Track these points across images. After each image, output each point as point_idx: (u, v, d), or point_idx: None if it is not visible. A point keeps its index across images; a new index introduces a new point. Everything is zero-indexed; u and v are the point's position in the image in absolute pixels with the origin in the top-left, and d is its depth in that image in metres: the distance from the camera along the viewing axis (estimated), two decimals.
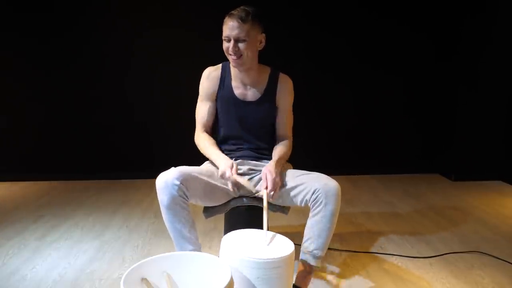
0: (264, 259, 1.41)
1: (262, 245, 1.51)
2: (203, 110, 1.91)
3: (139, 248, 2.35)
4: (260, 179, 1.88)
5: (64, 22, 3.44)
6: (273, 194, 1.68)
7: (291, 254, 1.47)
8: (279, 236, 1.60)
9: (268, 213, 1.62)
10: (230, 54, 1.73)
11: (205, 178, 1.73)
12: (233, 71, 1.86)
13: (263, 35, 1.78)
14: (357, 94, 3.80)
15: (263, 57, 1.86)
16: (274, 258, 1.42)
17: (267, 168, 1.72)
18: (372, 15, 3.63)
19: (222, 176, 1.70)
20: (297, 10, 3.56)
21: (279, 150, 1.86)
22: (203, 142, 1.87)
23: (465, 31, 3.59)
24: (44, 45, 3.46)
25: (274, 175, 1.69)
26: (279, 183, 1.72)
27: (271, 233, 1.61)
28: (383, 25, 3.65)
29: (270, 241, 1.55)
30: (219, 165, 1.74)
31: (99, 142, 3.68)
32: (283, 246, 1.52)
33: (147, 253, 2.27)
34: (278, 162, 1.78)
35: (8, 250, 2.30)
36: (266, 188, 1.67)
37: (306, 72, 3.63)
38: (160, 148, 3.72)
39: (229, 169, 1.67)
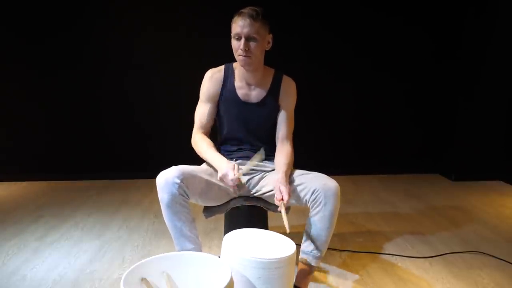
0: (266, 259, 1.40)
1: (264, 245, 1.51)
2: (203, 112, 1.89)
3: (139, 248, 2.35)
4: (260, 179, 1.89)
5: (64, 23, 3.43)
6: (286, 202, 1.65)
7: (292, 254, 1.47)
8: (281, 236, 1.60)
9: (288, 219, 1.59)
10: (240, 53, 1.71)
11: (205, 177, 1.73)
12: (238, 71, 1.85)
13: (270, 35, 1.77)
14: (358, 94, 3.79)
15: (265, 56, 1.86)
16: (276, 258, 1.41)
17: (279, 181, 1.67)
18: (374, 15, 3.62)
19: (223, 178, 1.66)
20: (297, 9, 3.56)
21: (283, 161, 1.80)
22: (201, 144, 1.84)
23: (466, 31, 3.59)
24: (44, 45, 3.46)
25: (286, 187, 1.65)
26: (291, 193, 1.69)
27: (273, 233, 1.60)
28: (385, 26, 3.64)
29: (272, 241, 1.55)
30: (219, 167, 1.69)
31: (99, 142, 3.68)
32: (285, 246, 1.51)
33: (147, 253, 2.27)
34: (286, 173, 1.73)
35: (8, 250, 2.30)
36: (282, 199, 1.62)
37: (307, 72, 3.62)
38: (160, 148, 3.72)
39: (231, 171, 1.64)
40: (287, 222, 1.57)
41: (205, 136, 1.88)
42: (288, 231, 1.55)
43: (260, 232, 1.62)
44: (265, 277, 1.40)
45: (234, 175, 1.62)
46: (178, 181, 1.58)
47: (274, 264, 1.41)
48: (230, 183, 1.65)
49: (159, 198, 1.62)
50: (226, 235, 1.56)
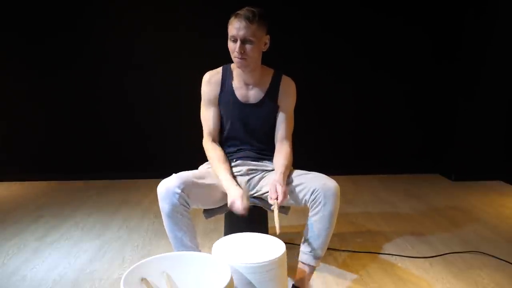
0: (255, 263, 1.39)
1: (253, 249, 1.49)
2: (208, 116, 1.89)
3: (139, 248, 2.35)
4: (259, 179, 1.89)
5: (64, 23, 3.44)
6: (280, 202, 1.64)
7: (282, 255, 1.45)
8: (270, 237, 1.59)
9: (280, 221, 1.57)
10: (236, 56, 1.70)
11: (205, 181, 1.73)
12: (236, 71, 1.84)
13: (268, 36, 1.76)
14: (357, 94, 3.80)
15: (264, 57, 1.86)
16: (266, 261, 1.40)
17: (276, 180, 1.67)
18: (373, 15, 3.62)
19: (232, 206, 1.64)
20: (296, 9, 3.56)
21: (282, 162, 1.79)
22: (213, 156, 1.82)
23: (466, 32, 3.59)
24: (44, 45, 3.46)
25: (283, 187, 1.64)
26: (287, 194, 1.68)
27: (262, 235, 1.59)
28: (385, 26, 3.64)
29: (262, 244, 1.53)
30: (228, 193, 1.67)
31: (99, 142, 3.68)
32: (275, 248, 1.50)
33: (147, 253, 2.27)
34: (284, 174, 1.73)
35: (8, 250, 2.30)
36: (277, 198, 1.61)
37: (307, 73, 3.62)
38: (160, 148, 3.72)
39: (239, 199, 1.61)
40: (278, 223, 1.54)
41: (216, 146, 1.87)
42: (278, 232, 1.52)
43: (249, 236, 1.59)
44: (256, 281, 1.39)
45: (242, 203, 1.61)
46: (179, 191, 1.57)
47: (265, 267, 1.39)
48: (239, 212, 1.62)
49: (160, 208, 1.60)
50: (215, 244, 1.53)
